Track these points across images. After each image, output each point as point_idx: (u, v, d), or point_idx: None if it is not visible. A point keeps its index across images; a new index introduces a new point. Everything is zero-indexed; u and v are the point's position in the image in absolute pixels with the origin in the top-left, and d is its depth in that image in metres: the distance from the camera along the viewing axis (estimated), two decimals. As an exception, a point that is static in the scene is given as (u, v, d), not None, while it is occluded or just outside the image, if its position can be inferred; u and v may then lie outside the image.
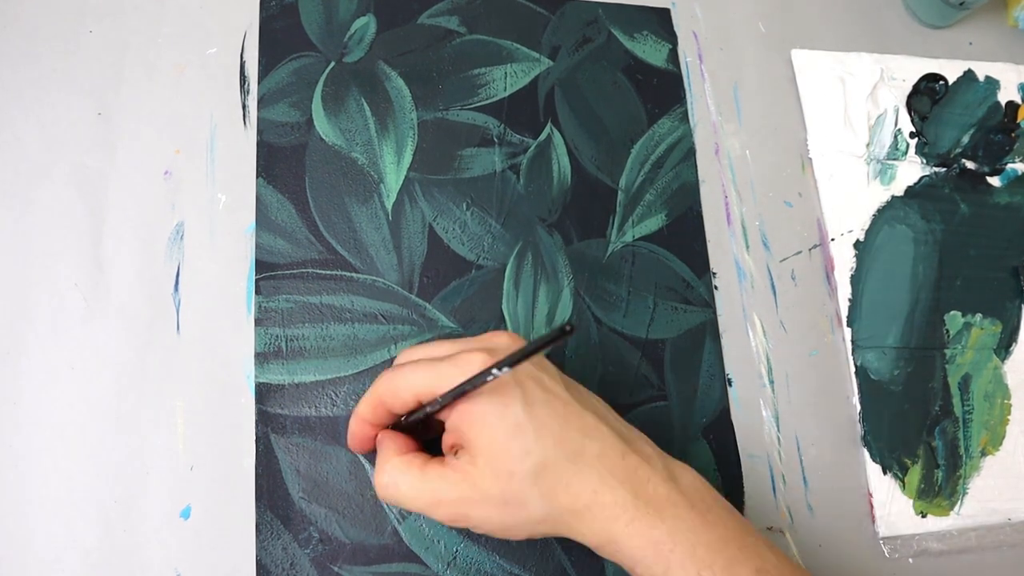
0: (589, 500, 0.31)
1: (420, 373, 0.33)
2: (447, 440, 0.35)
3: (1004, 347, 0.49)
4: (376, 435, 0.36)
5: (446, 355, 0.33)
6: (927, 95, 0.53)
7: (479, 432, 0.32)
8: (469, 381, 0.31)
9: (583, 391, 0.35)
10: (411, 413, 0.35)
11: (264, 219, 0.42)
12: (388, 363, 0.41)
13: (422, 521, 0.39)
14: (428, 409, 0.33)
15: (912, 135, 0.52)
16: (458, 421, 0.32)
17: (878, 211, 0.50)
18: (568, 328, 0.27)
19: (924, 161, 0.51)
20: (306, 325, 0.41)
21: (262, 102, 0.44)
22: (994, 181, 0.52)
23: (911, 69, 0.53)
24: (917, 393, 0.47)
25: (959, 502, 0.46)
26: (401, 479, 0.33)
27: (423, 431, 0.36)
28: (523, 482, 0.31)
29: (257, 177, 0.43)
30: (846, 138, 0.51)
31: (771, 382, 0.45)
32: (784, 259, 0.48)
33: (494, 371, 0.30)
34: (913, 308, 0.48)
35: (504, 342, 0.35)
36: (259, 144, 0.43)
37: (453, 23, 0.48)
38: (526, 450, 0.31)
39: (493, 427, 0.31)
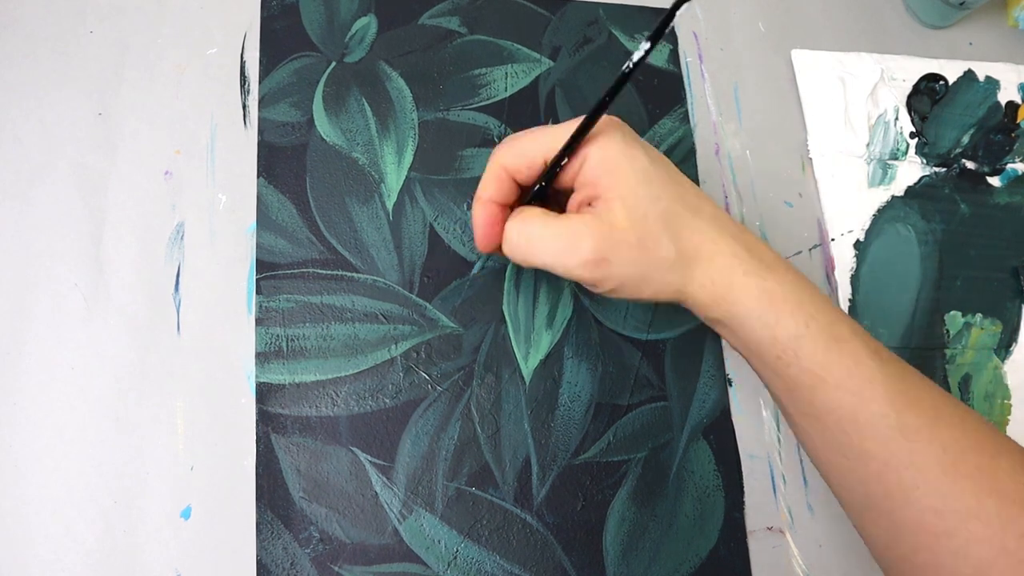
0: (711, 249, 0.34)
1: (540, 135, 0.34)
2: (575, 199, 0.35)
3: (1004, 347, 0.49)
4: (506, 217, 0.36)
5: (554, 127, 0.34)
6: (927, 95, 0.53)
7: (614, 179, 0.33)
8: (600, 102, 0.32)
9: None
10: (538, 180, 0.35)
11: (265, 219, 0.42)
12: (389, 363, 0.41)
13: (423, 521, 0.39)
14: (559, 157, 0.34)
15: (912, 135, 0.52)
16: (589, 175, 0.34)
17: (878, 211, 0.50)
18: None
19: (924, 161, 0.52)
20: (307, 325, 0.41)
21: (263, 102, 0.44)
22: (994, 181, 0.52)
23: (911, 69, 0.53)
24: (917, 393, 0.47)
25: (959, 502, 0.45)
26: (536, 225, 0.34)
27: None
28: (656, 224, 0.33)
29: (258, 177, 0.43)
30: (846, 138, 0.51)
31: (771, 382, 0.45)
32: (785, 259, 0.48)
33: (633, 58, 0.31)
34: (913, 308, 0.48)
35: (612, 118, 0.35)
36: (260, 144, 0.43)
37: (454, 24, 0.48)
38: (656, 195, 0.33)
39: (626, 174, 0.33)
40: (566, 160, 0.34)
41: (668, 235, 0.33)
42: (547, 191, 0.36)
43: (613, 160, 0.33)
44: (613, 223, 0.33)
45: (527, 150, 0.35)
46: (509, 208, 0.36)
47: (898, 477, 0.31)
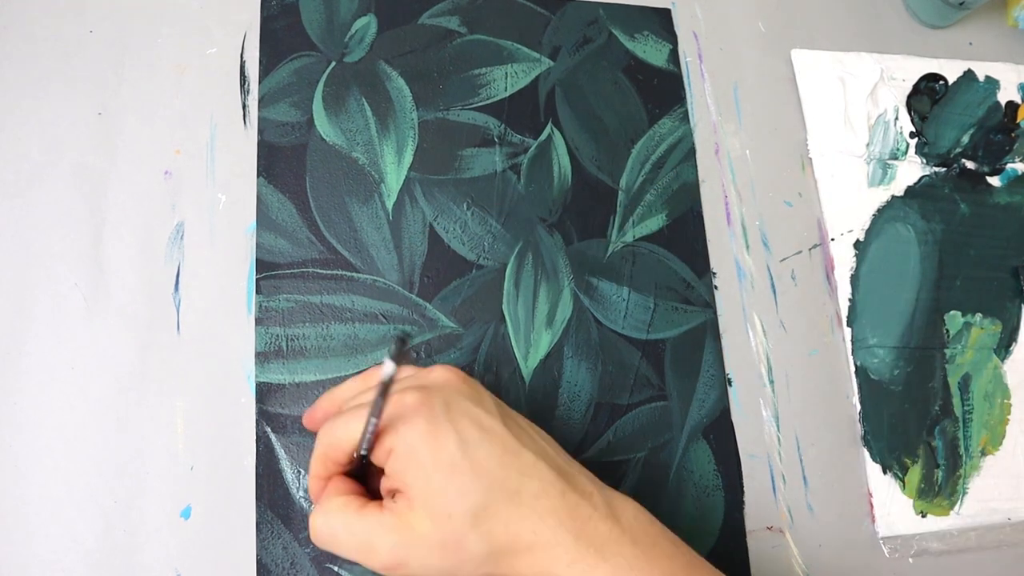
0: (529, 541, 0.30)
1: (351, 420, 0.32)
2: (385, 485, 0.33)
3: (1004, 347, 0.49)
4: None
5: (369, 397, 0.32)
6: (927, 95, 0.53)
7: (415, 475, 0.30)
8: (374, 403, 0.29)
9: (523, 424, 0.34)
10: (352, 465, 0.33)
11: (265, 219, 0.42)
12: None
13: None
14: (362, 450, 0.32)
15: (912, 135, 0.52)
16: (395, 465, 0.31)
17: (878, 211, 0.50)
18: (404, 336, 0.28)
19: (924, 161, 0.52)
20: (307, 325, 0.41)
21: (263, 102, 0.44)
22: (994, 181, 0.52)
23: (911, 69, 0.53)
24: (917, 393, 0.47)
25: (959, 502, 0.46)
26: (336, 519, 0.31)
27: (375, 480, 0.34)
28: (462, 523, 0.30)
29: (258, 177, 0.43)
30: (846, 138, 0.51)
31: (771, 382, 0.45)
32: (784, 259, 0.48)
33: (383, 374, 0.28)
34: (913, 308, 0.48)
35: (439, 376, 0.33)
36: (260, 144, 0.43)
37: (454, 23, 0.48)
38: (463, 491, 0.30)
39: (428, 469, 0.30)
40: (366, 452, 0.32)
41: (477, 533, 0.30)
42: (364, 470, 0.34)
43: (414, 453, 0.30)
44: (412, 525, 0.30)
45: (340, 440, 0.32)
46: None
47: None
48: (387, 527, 0.31)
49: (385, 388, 0.29)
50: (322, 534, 0.32)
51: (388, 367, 0.28)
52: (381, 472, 0.33)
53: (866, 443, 0.45)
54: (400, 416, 0.31)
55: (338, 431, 0.32)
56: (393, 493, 0.32)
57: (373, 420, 0.30)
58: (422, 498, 0.30)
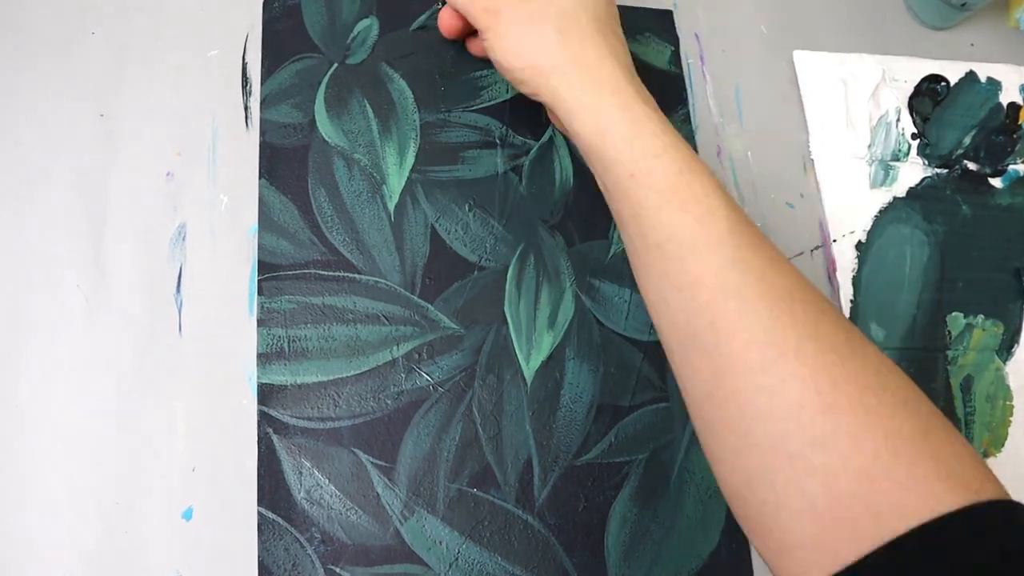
0: (597, 59, 0.36)
1: None
2: None
3: (1006, 348, 0.49)
4: None
5: None
6: (929, 96, 0.53)
7: None
8: None
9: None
10: None
11: (266, 220, 0.42)
12: (391, 364, 0.41)
13: (425, 522, 0.39)
14: None
15: (914, 136, 0.52)
16: None
17: (880, 212, 0.50)
18: None
19: (926, 162, 0.52)
20: (308, 326, 0.41)
21: (264, 103, 0.44)
22: (996, 182, 0.52)
23: (913, 70, 0.53)
24: (919, 394, 0.47)
25: (961, 504, 0.45)
26: None
27: None
28: (552, 13, 0.37)
29: (259, 178, 0.43)
30: (848, 139, 0.51)
31: (773, 383, 0.45)
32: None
33: None
34: (915, 309, 0.48)
35: None
36: (261, 145, 0.43)
37: (455, 24, 0.48)
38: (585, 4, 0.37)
39: None
40: None
41: (557, 26, 0.37)
42: None
43: None
44: None
45: None
46: None
47: (725, 306, 0.32)
48: None
49: None
50: None
51: None
52: None
53: (868, 445, 0.45)
54: None
55: None
56: None
57: None
58: None
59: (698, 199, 0.33)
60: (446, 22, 0.44)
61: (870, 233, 0.49)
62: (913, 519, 0.27)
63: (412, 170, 0.45)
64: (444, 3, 0.44)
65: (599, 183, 0.38)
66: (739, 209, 0.34)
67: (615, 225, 0.46)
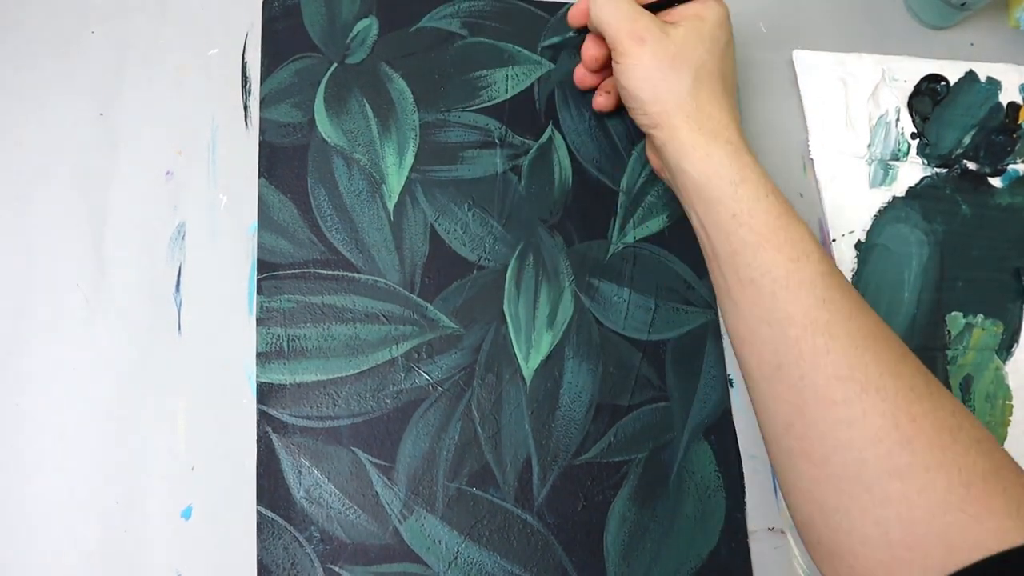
0: (718, 112, 0.39)
1: None
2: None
3: (1006, 348, 0.49)
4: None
5: None
6: (928, 96, 0.53)
7: (689, 32, 0.40)
8: None
9: None
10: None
11: (266, 219, 0.42)
12: (390, 364, 0.41)
13: (424, 521, 0.39)
14: None
15: (913, 136, 0.52)
16: (687, 11, 0.41)
17: (879, 212, 0.50)
18: None
19: (925, 162, 0.51)
20: (308, 325, 0.41)
21: (264, 102, 0.44)
22: (995, 182, 0.52)
23: (912, 70, 0.53)
24: (919, 394, 0.47)
25: (961, 503, 0.45)
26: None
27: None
28: (691, 60, 0.39)
29: (259, 177, 0.43)
30: (847, 139, 0.51)
31: (772, 383, 0.45)
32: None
33: None
34: (915, 309, 0.48)
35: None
36: (261, 144, 0.43)
37: (455, 26, 0.48)
38: (711, 50, 0.40)
39: (711, 18, 0.41)
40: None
41: (693, 75, 0.39)
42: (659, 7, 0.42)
43: (715, 20, 0.41)
44: (671, 31, 0.40)
45: None
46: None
47: (813, 343, 0.34)
48: (655, 21, 0.40)
49: None
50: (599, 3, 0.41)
51: None
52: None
53: (868, 444, 0.45)
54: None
55: None
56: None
57: None
58: (695, 27, 0.40)
59: (794, 242, 0.36)
60: (591, 52, 0.44)
61: (870, 233, 0.49)
62: (982, 551, 0.29)
63: (411, 170, 0.45)
64: (578, 32, 0.45)
65: (695, 221, 0.40)
66: (829, 256, 0.37)
67: (614, 225, 0.46)
